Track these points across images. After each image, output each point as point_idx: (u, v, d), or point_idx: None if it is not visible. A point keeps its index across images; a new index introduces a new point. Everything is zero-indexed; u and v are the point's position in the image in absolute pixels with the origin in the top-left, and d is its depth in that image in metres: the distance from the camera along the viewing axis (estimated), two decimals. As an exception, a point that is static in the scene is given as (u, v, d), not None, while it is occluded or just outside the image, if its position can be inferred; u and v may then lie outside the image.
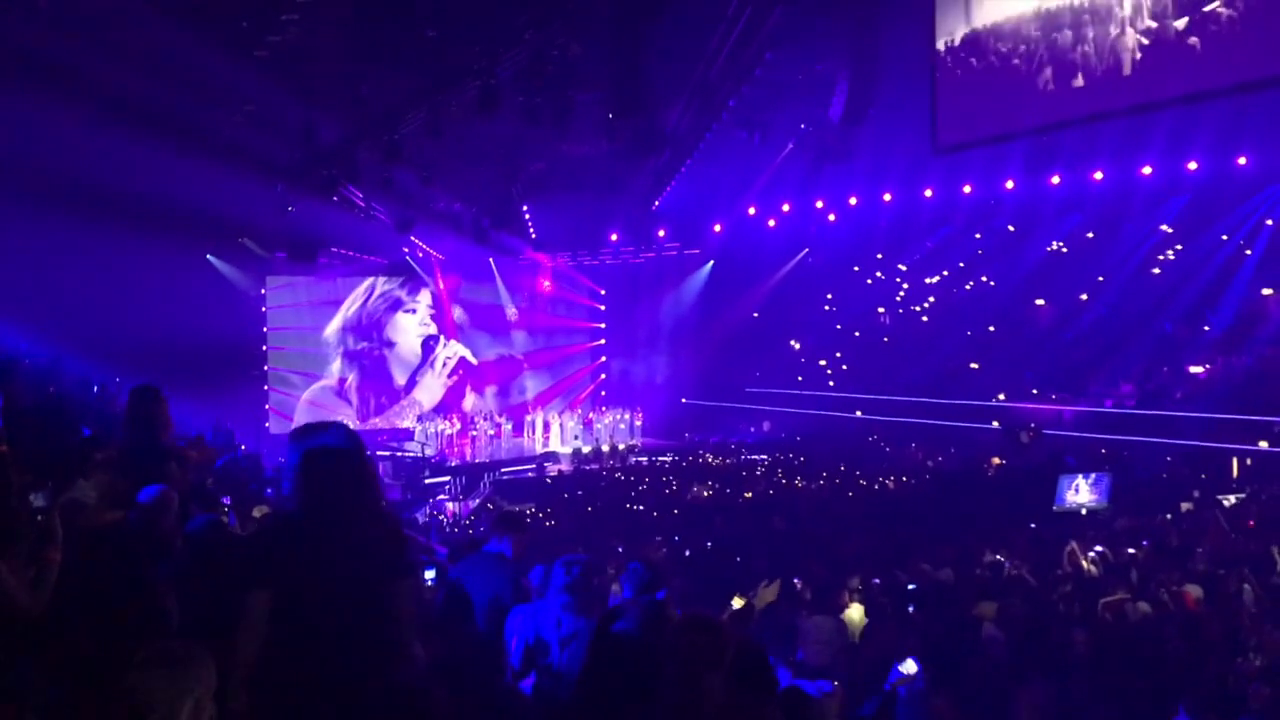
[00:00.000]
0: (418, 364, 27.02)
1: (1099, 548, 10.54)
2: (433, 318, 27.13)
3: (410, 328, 26.94)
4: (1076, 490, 13.66)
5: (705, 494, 18.13)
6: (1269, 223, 19.16)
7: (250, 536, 4.08)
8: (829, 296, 26.56)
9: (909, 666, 5.77)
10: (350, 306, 26.08)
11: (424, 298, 27.02)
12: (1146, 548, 10.99)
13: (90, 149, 14.45)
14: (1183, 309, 20.58)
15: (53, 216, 15.80)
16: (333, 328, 25.91)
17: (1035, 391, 21.59)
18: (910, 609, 8.69)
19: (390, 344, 26.69)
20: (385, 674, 3.28)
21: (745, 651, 3.24)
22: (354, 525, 3.41)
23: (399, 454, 23.28)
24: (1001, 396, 21.62)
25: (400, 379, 26.83)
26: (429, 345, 27.17)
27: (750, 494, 17.78)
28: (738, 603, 7.53)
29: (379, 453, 22.80)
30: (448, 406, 26.79)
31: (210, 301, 22.10)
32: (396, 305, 26.73)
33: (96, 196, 15.63)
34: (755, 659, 3.33)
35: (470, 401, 27.62)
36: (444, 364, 27.31)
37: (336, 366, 25.92)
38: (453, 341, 27.48)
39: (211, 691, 2.47)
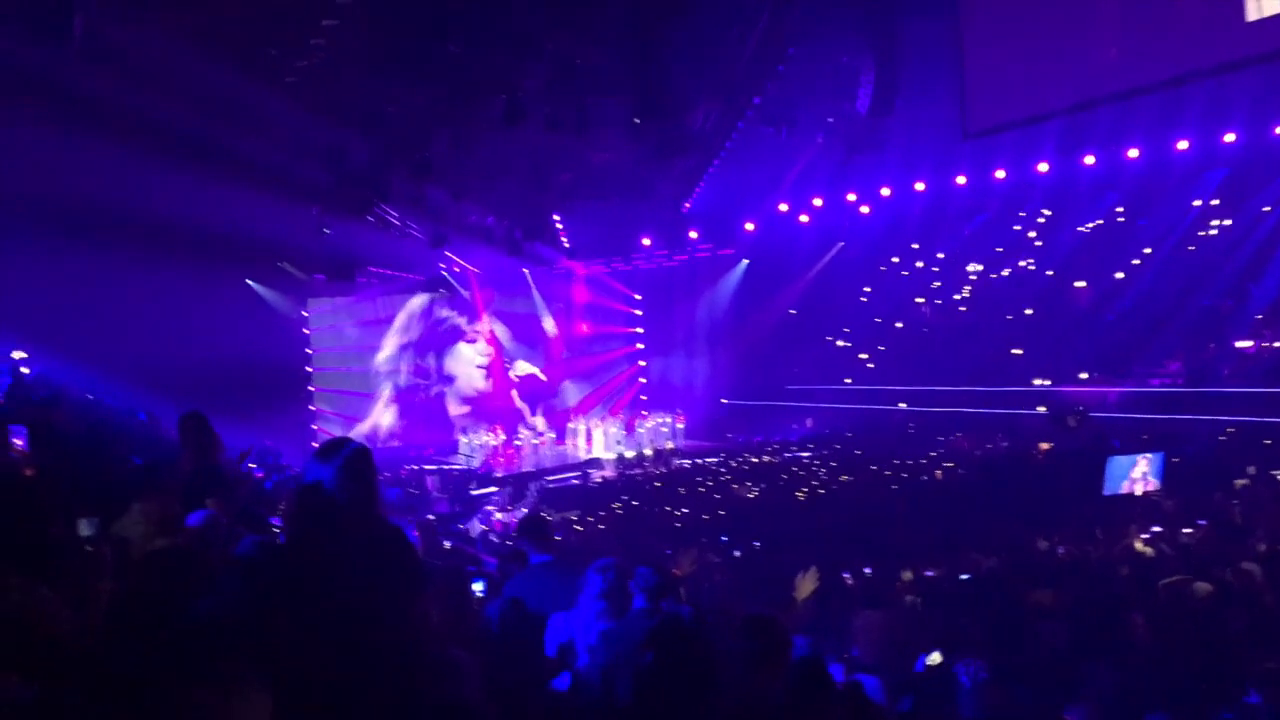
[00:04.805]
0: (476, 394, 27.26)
1: (1156, 528, 10.37)
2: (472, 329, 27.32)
3: (471, 358, 27.14)
4: (1131, 474, 13.37)
5: (751, 494, 18.03)
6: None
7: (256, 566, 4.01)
8: (866, 289, 26.35)
9: (935, 658, 5.71)
10: (404, 333, 26.31)
11: (483, 327, 27.21)
12: (1204, 526, 10.79)
13: (128, 180, 14.66)
14: (1226, 284, 20.24)
15: (93, 248, 16.01)
16: (384, 354, 26.15)
17: (1084, 375, 21.33)
18: (965, 599, 8.58)
19: (449, 379, 26.90)
20: (400, 691, 3.18)
21: (803, 659, 3.21)
22: (356, 546, 3.30)
23: (445, 467, 23.38)
24: (1042, 381, 21.37)
25: (456, 410, 26.96)
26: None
27: (798, 492, 17.65)
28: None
29: (425, 467, 22.92)
30: (497, 417, 26.96)
31: (253, 326, 22.24)
32: (456, 335, 26.93)
33: (136, 227, 15.81)
34: (813, 665, 3.30)
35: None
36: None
37: (381, 404, 26.12)
38: (518, 362, 27.74)
39: (268, 715, 2.44)
